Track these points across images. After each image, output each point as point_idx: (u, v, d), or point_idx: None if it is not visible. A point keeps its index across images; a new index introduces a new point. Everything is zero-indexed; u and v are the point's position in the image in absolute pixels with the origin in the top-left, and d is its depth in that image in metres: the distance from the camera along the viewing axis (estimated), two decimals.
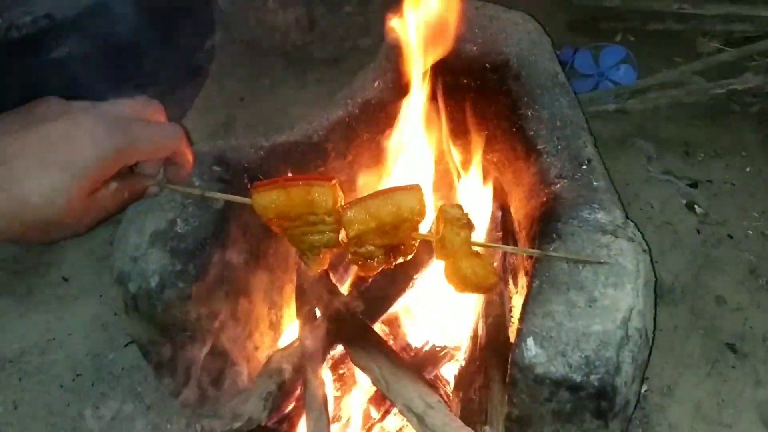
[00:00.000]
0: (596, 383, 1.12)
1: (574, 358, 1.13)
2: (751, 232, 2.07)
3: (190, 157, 1.07)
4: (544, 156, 1.59)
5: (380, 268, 1.32)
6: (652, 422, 1.62)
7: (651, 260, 1.29)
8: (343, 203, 1.27)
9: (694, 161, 2.33)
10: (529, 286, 1.25)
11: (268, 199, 1.24)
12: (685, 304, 1.87)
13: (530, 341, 1.15)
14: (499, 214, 1.79)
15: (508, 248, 1.55)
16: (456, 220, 1.23)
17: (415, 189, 1.21)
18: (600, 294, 1.19)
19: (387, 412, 1.55)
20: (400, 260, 1.29)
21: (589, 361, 1.12)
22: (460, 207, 1.25)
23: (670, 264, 1.97)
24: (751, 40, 2.48)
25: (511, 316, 1.59)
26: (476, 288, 1.24)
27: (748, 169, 2.29)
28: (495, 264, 1.71)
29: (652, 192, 2.20)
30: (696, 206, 2.15)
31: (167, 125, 1.00)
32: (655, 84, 2.44)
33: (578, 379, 1.12)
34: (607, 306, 1.17)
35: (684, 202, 2.17)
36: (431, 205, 1.61)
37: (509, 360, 1.19)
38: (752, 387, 1.68)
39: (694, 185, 2.23)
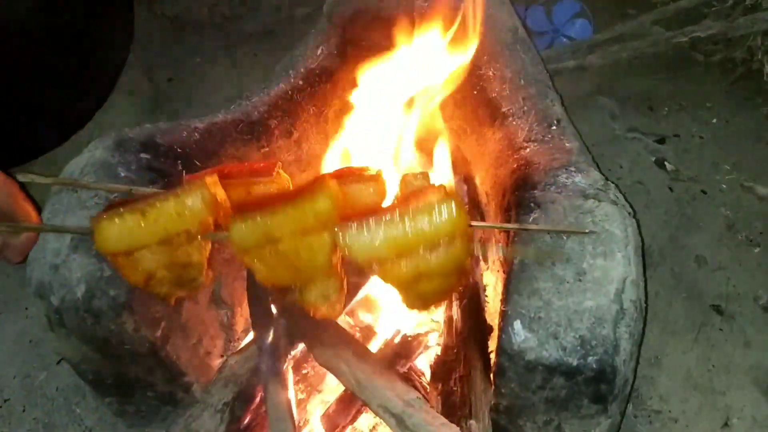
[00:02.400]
0: (595, 365, 1.03)
1: (568, 340, 1.04)
2: (725, 186, 2.02)
3: (31, 215, 0.96)
4: (510, 118, 1.50)
5: None
6: (642, 396, 1.56)
7: (638, 224, 1.21)
8: (291, 187, 1.16)
9: (659, 116, 2.28)
10: (510, 263, 1.15)
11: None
12: (665, 267, 1.82)
13: (517, 325, 1.06)
14: (464, 186, 1.69)
15: (483, 225, 1.45)
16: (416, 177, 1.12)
17: (372, 180, 1.10)
18: (589, 266, 1.10)
19: (359, 413, 1.44)
20: None
21: (585, 341, 1.04)
22: (424, 176, 1.14)
23: (645, 225, 1.88)
24: None
25: (486, 296, 1.50)
26: None
27: (714, 121, 2.26)
28: None
29: (619, 151, 2.14)
30: (666, 163, 2.10)
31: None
32: (614, 37, 2.37)
33: (574, 363, 1.03)
34: (598, 278, 1.09)
35: (653, 159, 2.12)
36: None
37: (496, 347, 1.09)
38: (742, 349, 1.64)
39: (661, 141, 2.18)
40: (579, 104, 2.28)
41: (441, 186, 0.94)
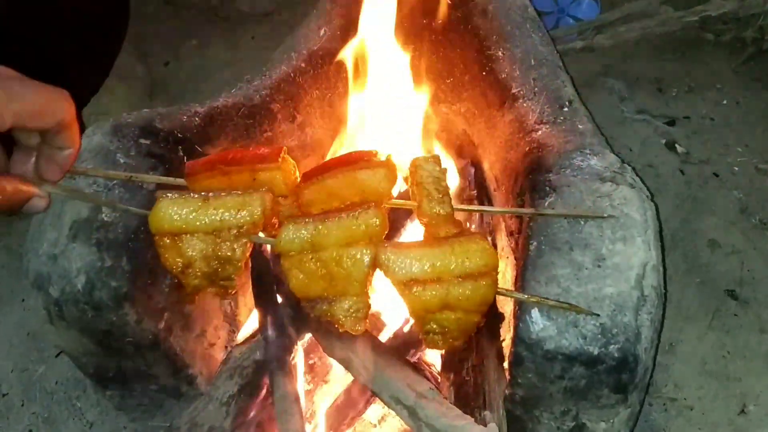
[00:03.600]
0: (616, 354, 1.00)
1: (588, 328, 1.01)
2: (737, 169, 2.00)
3: (76, 139, 0.93)
4: (521, 100, 1.46)
5: None
6: (656, 383, 1.54)
7: (656, 208, 1.17)
8: (297, 175, 1.12)
9: (669, 98, 2.25)
10: (526, 249, 1.12)
11: (206, 187, 1.08)
12: (677, 251, 1.79)
13: (535, 313, 1.03)
14: (472, 170, 1.65)
15: (499, 210, 1.41)
16: (434, 180, 1.09)
17: (382, 166, 1.07)
18: (608, 251, 1.07)
19: (368, 404, 1.42)
20: None
21: (606, 329, 1.01)
22: (436, 159, 1.10)
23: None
24: None
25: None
26: None
27: (725, 102, 2.22)
28: (473, 226, 1.58)
29: (628, 133, 2.11)
30: (677, 145, 2.06)
31: (53, 89, 0.87)
32: (621, 17, 2.32)
33: (595, 352, 1.00)
34: (618, 264, 1.05)
35: (663, 141, 2.09)
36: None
37: (513, 335, 1.06)
38: (757, 334, 1.62)
39: (671, 123, 2.15)
40: (586, 86, 2.25)
41: (477, 232, 1.00)
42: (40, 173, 0.93)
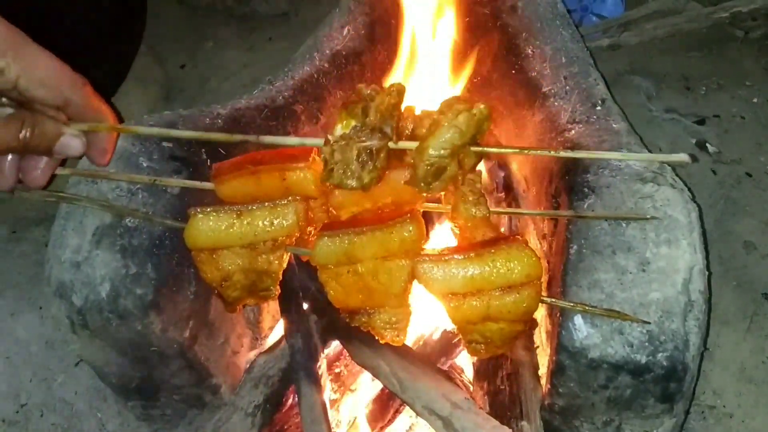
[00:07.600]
0: (665, 362, 0.97)
1: (635, 335, 0.98)
2: None
3: (105, 117, 0.96)
4: (552, 99, 1.43)
5: None
6: (694, 390, 1.49)
7: (700, 209, 1.14)
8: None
9: (697, 96, 2.21)
10: (565, 253, 1.08)
11: (234, 189, 1.05)
12: (712, 253, 1.74)
13: (579, 320, 0.99)
14: (501, 173, 1.62)
15: (538, 213, 1.37)
16: (468, 182, 1.05)
17: None
18: (653, 254, 1.03)
19: (397, 413, 1.39)
20: None
21: (653, 336, 0.97)
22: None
23: None
24: None
25: None
26: None
27: (755, 100, 2.18)
28: (502, 229, 1.55)
29: (657, 133, 2.07)
30: (707, 144, 2.02)
31: (67, 67, 0.91)
32: (647, 14, 2.29)
33: (643, 360, 0.97)
34: (664, 268, 1.02)
35: (693, 141, 2.05)
36: None
37: (555, 343, 1.03)
38: None
39: (701, 122, 2.10)
40: (612, 84, 2.19)
41: (519, 237, 0.97)
42: (92, 162, 0.99)
